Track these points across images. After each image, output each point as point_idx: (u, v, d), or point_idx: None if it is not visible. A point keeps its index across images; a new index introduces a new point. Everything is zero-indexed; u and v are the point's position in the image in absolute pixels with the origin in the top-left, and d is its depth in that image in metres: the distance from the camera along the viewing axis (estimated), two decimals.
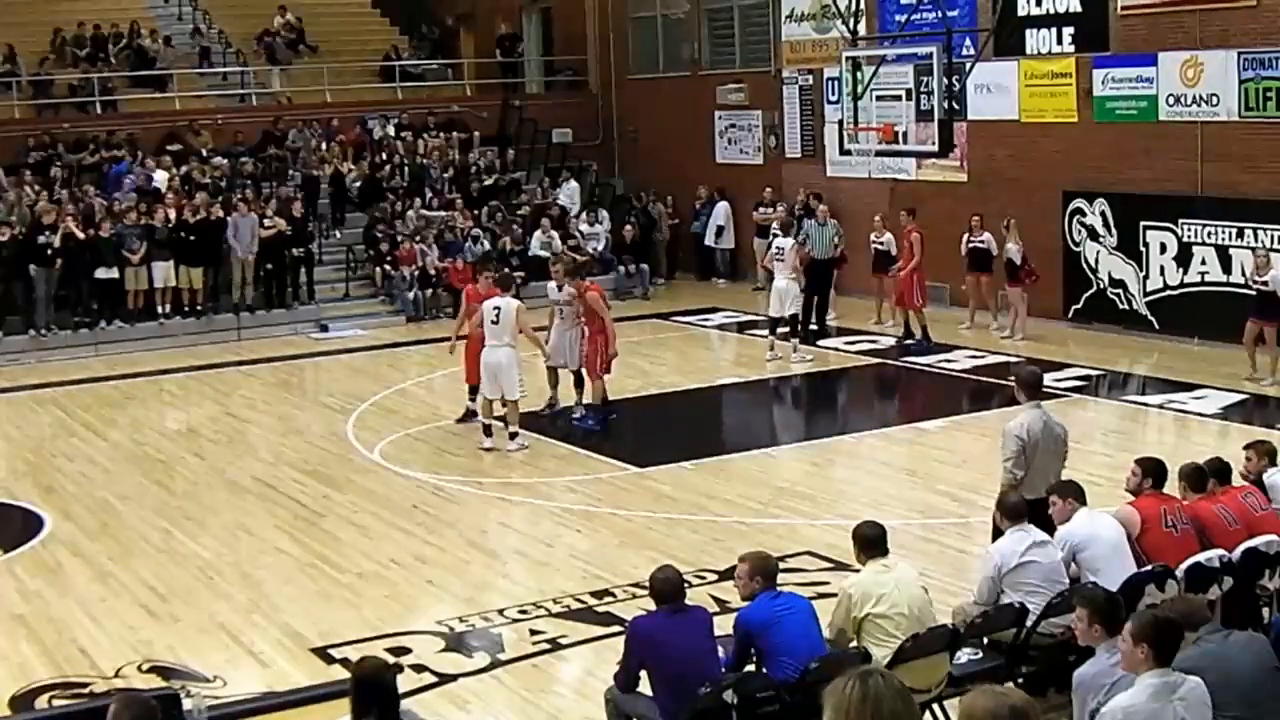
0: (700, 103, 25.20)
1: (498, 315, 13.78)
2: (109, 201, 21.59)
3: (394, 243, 22.70)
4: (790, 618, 6.78)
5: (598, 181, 26.81)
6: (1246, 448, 8.86)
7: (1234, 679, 5.62)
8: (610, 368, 14.64)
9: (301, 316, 21.85)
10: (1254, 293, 15.63)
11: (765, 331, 18.34)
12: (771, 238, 21.09)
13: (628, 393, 16.17)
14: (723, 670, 6.82)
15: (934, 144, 15.40)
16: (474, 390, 14.53)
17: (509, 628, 9.26)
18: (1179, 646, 5.48)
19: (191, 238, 20.96)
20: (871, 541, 7.18)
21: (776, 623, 6.75)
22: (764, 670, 6.76)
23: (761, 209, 23.18)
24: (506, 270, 15.43)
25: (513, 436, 13.95)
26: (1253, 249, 16.37)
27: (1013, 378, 9.41)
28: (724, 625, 7.71)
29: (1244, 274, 16.28)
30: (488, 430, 14.03)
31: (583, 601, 9.67)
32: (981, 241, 18.78)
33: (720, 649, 7.04)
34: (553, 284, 15.12)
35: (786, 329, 17.57)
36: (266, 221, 21.44)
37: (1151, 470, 8.16)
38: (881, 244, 19.61)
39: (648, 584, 6.98)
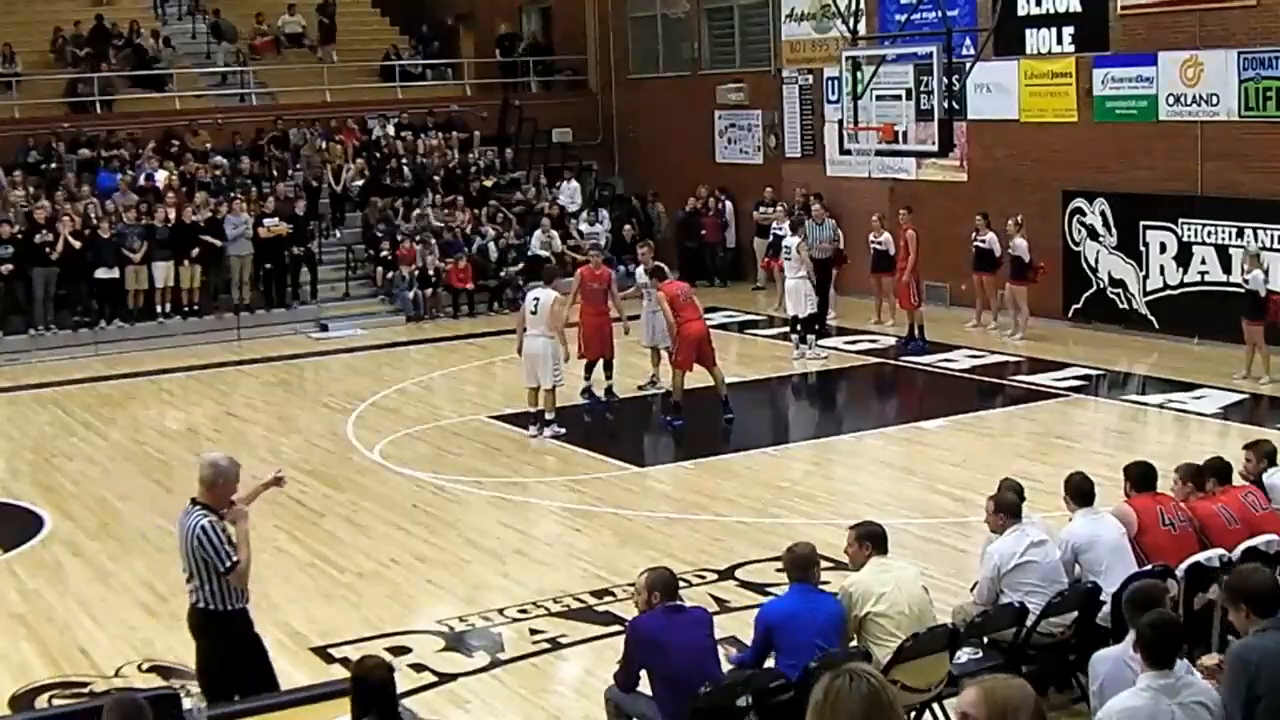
0: (700, 102, 25.19)
1: (536, 305, 14.13)
2: (104, 203, 21.56)
3: (394, 243, 22.72)
4: (814, 619, 6.73)
5: (598, 181, 26.80)
6: (1246, 448, 8.86)
7: None
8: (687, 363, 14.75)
9: (301, 316, 21.85)
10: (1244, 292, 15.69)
11: (782, 331, 18.58)
12: (773, 237, 21.24)
13: (628, 392, 16.18)
14: (741, 665, 6.80)
15: (934, 144, 15.38)
16: (590, 367, 15.55)
17: (509, 627, 9.26)
18: (1176, 649, 5.32)
19: (193, 237, 20.97)
20: (877, 538, 7.17)
21: (798, 622, 6.71)
22: (774, 664, 6.74)
23: (761, 209, 23.19)
24: (550, 264, 16.18)
25: (548, 424, 14.22)
26: (1244, 248, 16.42)
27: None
28: (724, 625, 7.72)
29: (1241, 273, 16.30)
30: (534, 418, 14.22)
31: (583, 601, 9.67)
32: (984, 241, 18.79)
33: (720, 649, 7.04)
34: (641, 268, 16.12)
35: (801, 327, 17.71)
36: (267, 221, 21.44)
37: (1136, 474, 8.16)
38: (880, 244, 19.60)
39: (657, 579, 6.89)
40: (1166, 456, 10.37)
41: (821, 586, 7.09)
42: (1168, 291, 18.02)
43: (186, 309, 21.18)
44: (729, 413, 14.82)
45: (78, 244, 20.14)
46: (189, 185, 22.61)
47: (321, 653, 8.98)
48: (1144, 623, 5.38)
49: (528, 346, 14.18)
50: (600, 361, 15.67)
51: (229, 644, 7.15)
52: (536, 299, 14.26)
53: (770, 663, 6.81)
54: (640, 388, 16.25)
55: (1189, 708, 5.26)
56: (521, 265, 22.87)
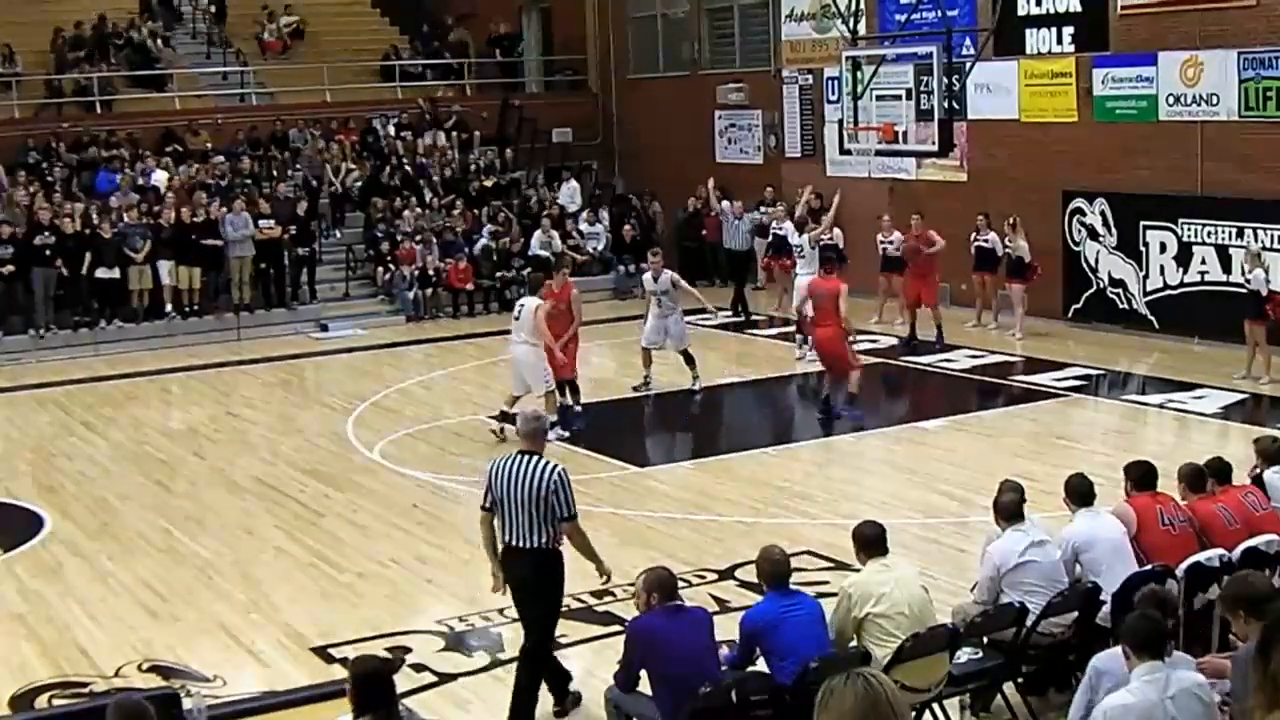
0: (700, 103, 25.19)
1: (520, 312, 14.12)
2: (103, 203, 21.55)
3: (394, 243, 22.72)
4: (795, 618, 6.75)
5: (598, 181, 26.80)
6: (1254, 442, 8.89)
7: None
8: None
9: (301, 316, 21.85)
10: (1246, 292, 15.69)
11: (782, 332, 18.63)
12: (772, 237, 21.19)
13: (627, 393, 16.19)
14: (724, 668, 6.81)
15: (934, 144, 15.40)
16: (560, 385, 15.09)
17: (509, 627, 9.23)
18: (1163, 640, 5.42)
19: (192, 237, 20.98)
20: (872, 541, 7.17)
21: (781, 623, 6.73)
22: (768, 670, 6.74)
23: (762, 208, 23.15)
24: (536, 273, 16.06)
25: (551, 426, 14.06)
26: (1246, 248, 16.43)
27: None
28: (723, 625, 7.71)
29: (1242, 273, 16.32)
30: (511, 419, 14.16)
31: (583, 601, 9.65)
32: (986, 241, 18.83)
33: (724, 649, 7.04)
34: (649, 274, 16.23)
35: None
36: (261, 223, 21.43)
37: (1137, 474, 8.15)
38: (890, 244, 19.60)
39: (658, 577, 6.93)
40: (1166, 456, 10.35)
41: (819, 587, 7.08)
42: (1168, 291, 18.02)
43: (187, 309, 21.19)
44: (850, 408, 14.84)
45: (65, 242, 20.13)
46: (189, 185, 22.60)
47: (321, 653, 8.98)
48: (1133, 615, 5.46)
49: (513, 353, 14.19)
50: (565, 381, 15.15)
51: (559, 580, 7.90)
52: (522, 305, 14.26)
53: (763, 666, 6.82)
54: (635, 389, 16.23)
55: (1181, 702, 5.29)
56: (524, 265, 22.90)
